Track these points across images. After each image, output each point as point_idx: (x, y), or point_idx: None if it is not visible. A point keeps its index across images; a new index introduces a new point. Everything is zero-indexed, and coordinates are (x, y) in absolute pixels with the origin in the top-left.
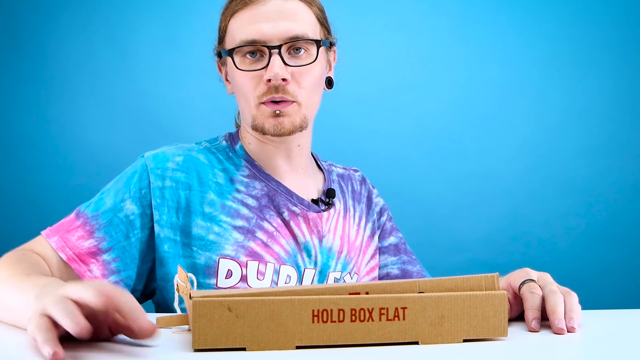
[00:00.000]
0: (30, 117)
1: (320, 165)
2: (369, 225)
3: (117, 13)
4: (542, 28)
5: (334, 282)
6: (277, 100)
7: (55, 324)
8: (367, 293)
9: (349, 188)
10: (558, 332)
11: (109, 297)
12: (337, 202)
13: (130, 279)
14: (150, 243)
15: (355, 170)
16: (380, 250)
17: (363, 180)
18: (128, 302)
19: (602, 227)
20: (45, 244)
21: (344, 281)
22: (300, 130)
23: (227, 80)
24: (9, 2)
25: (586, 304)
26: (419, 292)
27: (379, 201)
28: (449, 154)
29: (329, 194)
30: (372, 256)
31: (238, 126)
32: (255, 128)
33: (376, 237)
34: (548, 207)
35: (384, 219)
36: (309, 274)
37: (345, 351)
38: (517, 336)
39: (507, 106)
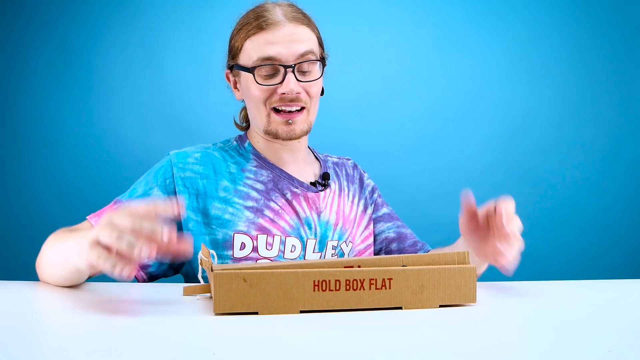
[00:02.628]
0: (79, 120)
1: (317, 156)
2: (362, 201)
3: (152, 34)
4: (501, 45)
5: (332, 249)
6: (290, 109)
7: (109, 249)
8: (359, 266)
9: (343, 172)
10: (501, 228)
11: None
12: (333, 183)
13: None
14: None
15: (348, 159)
16: (377, 220)
17: (355, 166)
18: (149, 225)
19: (554, 212)
20: (87, 225)
21: (341, 248)
22: (306, 134)
23: (235, 88)
24: (62, 26)
25: (539, 276)
26: (403, 266)
27: (369, 182)
28: (426, 151)
29: (325, 177)
30: (366, 227)
31: (238, 125)
32: (268, 133)
33: (369, 211)
34: (508, 195)
35: (375, 195)
36: (311, 243)
37: (341, 315)
38: (484, 302)
39: (475, 111)
